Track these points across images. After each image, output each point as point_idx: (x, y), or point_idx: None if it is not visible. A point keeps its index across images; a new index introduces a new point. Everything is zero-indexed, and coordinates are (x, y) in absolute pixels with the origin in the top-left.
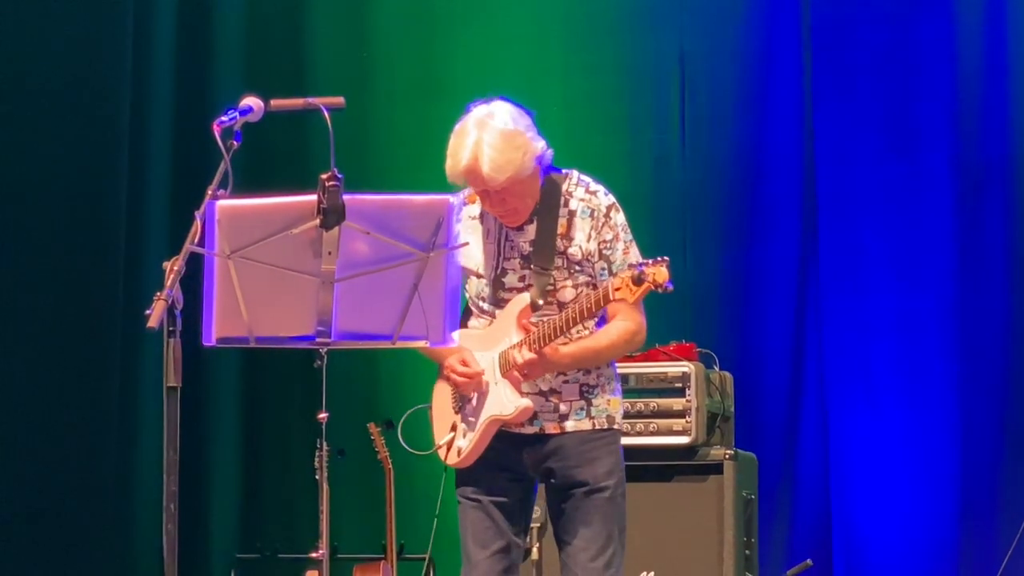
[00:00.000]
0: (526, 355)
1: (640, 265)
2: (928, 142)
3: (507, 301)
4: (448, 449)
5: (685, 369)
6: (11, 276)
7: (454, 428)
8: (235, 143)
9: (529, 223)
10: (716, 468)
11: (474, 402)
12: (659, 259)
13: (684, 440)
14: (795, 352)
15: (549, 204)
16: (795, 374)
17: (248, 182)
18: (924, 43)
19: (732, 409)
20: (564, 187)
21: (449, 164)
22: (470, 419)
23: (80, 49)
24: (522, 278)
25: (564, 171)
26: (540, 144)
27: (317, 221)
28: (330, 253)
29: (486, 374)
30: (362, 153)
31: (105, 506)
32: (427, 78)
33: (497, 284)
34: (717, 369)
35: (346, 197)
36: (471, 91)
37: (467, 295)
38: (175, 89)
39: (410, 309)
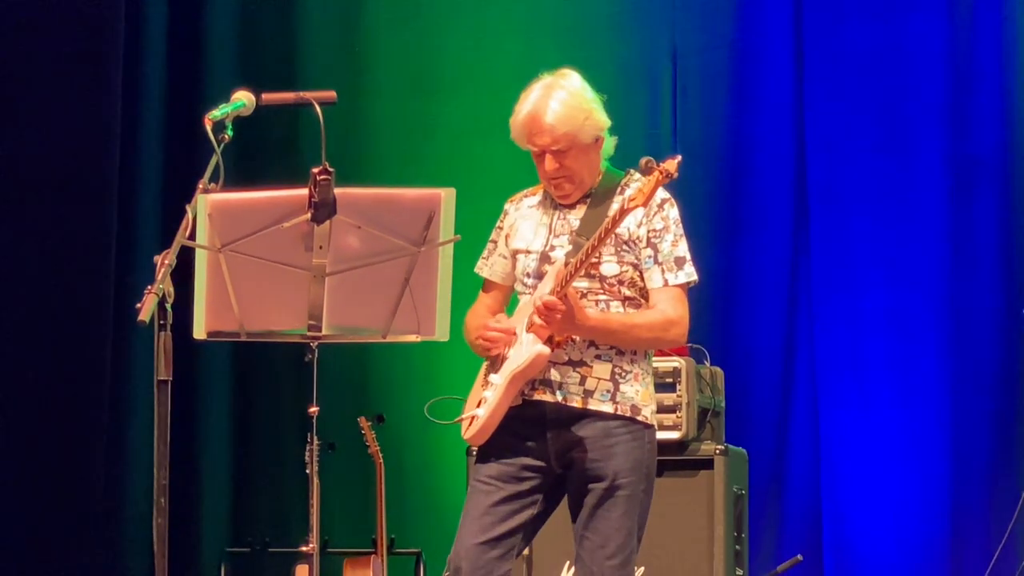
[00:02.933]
0: (546, 297)
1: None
2: (920, 138)
3: None
4: (470, 423)
5: (676, 364)
6: (1, 269)
7: (480, 403)
8: (226, 137)
9: (582, 203)
10: (707, 463)
11: (500, 368)
12: (672, 156)
13: (675, 435)
14: (786, 347)
15: (606, 189)
16: (786, 369)
17: (239, 176)
18: (916, 39)
19: (723, 404)
20: (623, 180)
21: (512, 118)
22: (493, 385)
23: (71, 42)
24: (568, 252)
25: (627, 170)
26: (604, 120)
27: (308, 215)
28: (321, 247)
29: (516, 335)
30: (353, 147)
31: (96, 499)
32: (419, 73)
33: (544, 259)
34: (708, 364)
35: (337, 191)
36: (463, 86)
37: (516, 276)
38: (167, 82)
39: (401, 303)
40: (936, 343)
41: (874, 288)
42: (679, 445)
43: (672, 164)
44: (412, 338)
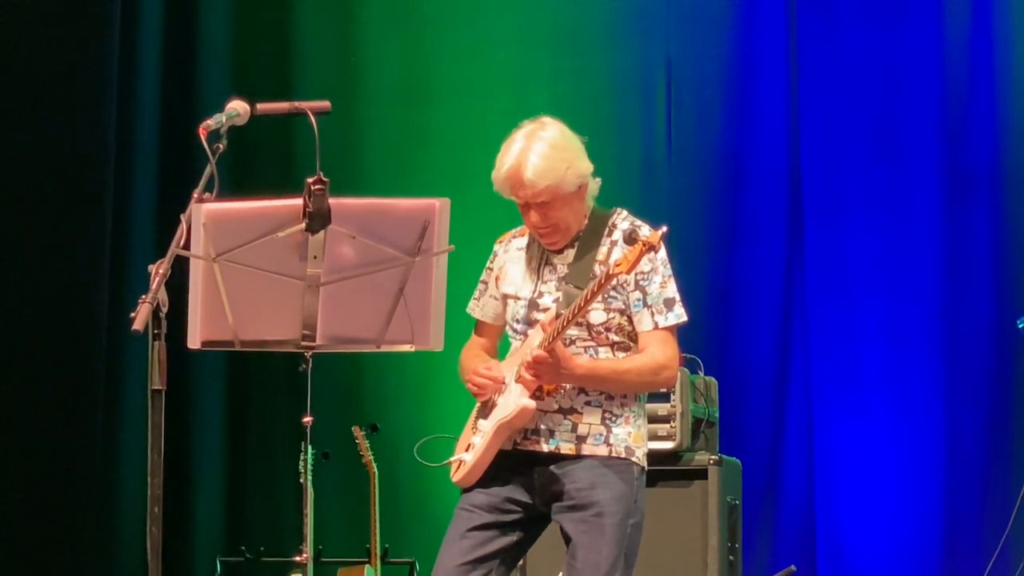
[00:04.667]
0: (535, 351)
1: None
2: (914, 148)
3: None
4: (458, 466)
5: None
6: None
7: (469, 448)
8: (221, 146)
9: (570, 247)
10: (701, 473)
11: (489, 415)
12: (656, 227)
13: (669, 445)
14: (780, 357)
15: (593, 233)
16: (780, 379)
17: (234, 185)
18: (910, 49)
19: (717, 414)
20: (610, 220)
21: (494, 173)
22: (481, 432)
23: (66, 53)
24: (556, 299)
25: (613, 209)
26: (587, 166)
27: (303, 225)
28: (316, 257)
29: (505, 383)
30: (348, 157)
31: (89, 508)
32: (414, 82)
33: (532, 306)
34: (702, 374)
35: (332, 201)
36: (458, 95)
37: (507, 320)
38: (161, 92)
39: (395, 313)
40: (930, 353)
41: (868, 298)
42: (673, 455)
43: (655, 236)
44: (406, 348)
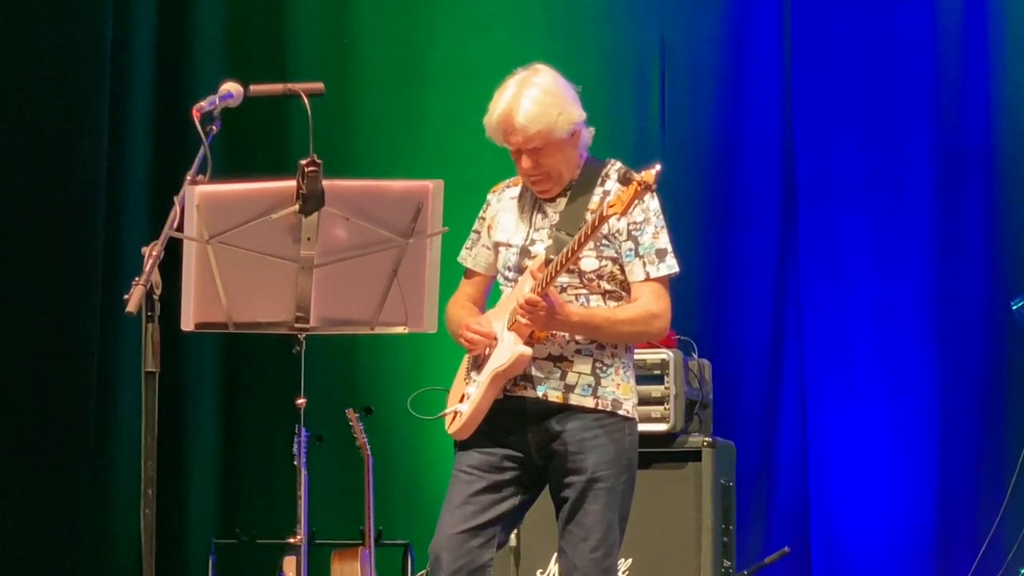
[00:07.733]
0: (527, 295)
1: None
2: (908, 130)
3: None
4: (453, 418)
5: (664, 356)
6: None
7: (463, 399)
8: (214, 128)
9: (562, 196)
10: (695, 455)
11: (482, 367)
12: (650, 164)
13: (663, 427)
14: (774, 340)
15: (585, 182)
16: (774, 362)
17: (227, 167)
18: (904, 31)
19: (711, 397)
20: (604, 170)
21: (486, 118)
22: (476, 382)
23: (59, 33)
24: (548, 246)
25: (607, 160)
26: (579, 113)
27: (296, 206)
28: (309, 239)
29: (497, 335)
30: (342, 138)
31: (83, 490)
32: (407, 64)
33: (524, 253)
34: (696, 356)
35: (325, 182)
36: (451, 77)
37: (498, 268)
38: (155, 73)
39: (389, 295)
40: (924, 335)
41: (862, 280)
42: (667, 437)
43: (650, 176)
44: (400, 330)
